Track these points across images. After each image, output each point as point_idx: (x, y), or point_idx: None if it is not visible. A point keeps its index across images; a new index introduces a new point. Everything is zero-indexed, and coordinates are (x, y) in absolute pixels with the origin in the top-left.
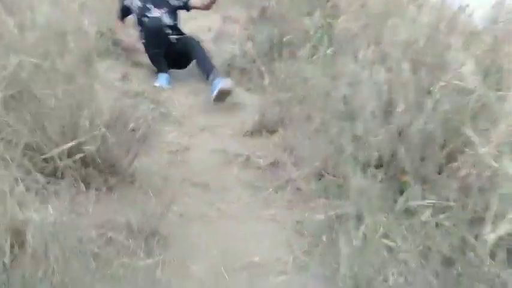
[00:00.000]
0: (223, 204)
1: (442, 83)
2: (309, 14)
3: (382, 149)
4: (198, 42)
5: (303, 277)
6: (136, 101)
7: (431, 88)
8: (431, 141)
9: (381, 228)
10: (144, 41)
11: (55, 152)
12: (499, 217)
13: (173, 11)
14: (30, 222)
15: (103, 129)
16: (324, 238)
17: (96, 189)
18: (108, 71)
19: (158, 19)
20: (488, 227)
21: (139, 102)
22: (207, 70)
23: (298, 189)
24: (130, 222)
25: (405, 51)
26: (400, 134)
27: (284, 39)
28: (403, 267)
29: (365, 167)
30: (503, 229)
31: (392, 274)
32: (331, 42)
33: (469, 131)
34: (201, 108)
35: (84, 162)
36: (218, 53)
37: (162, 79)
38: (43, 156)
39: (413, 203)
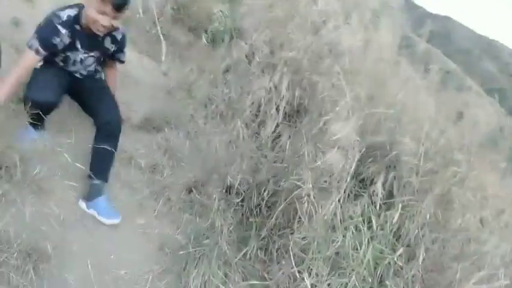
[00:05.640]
0: None
1: None
2: None
3: (243, 180)
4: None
5: None
6: None
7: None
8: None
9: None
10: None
11: None
12: None
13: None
14: None
15: None
16: (181, 259)
17: None
18: None
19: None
20: None
21: None
22: (95, 169)
23: (169, 199)
24: None
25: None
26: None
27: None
28: None
29: (228, 189)
30: None
31: None
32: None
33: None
34: None
35: None
36: None
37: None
38: None
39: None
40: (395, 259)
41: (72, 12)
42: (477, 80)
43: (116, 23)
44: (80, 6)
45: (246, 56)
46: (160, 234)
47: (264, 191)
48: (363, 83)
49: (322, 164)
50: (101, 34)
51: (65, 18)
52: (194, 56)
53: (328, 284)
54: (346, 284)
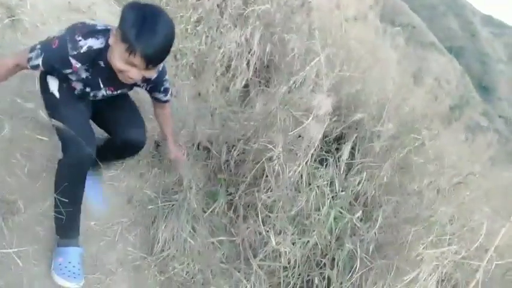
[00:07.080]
0: None
1: None
2: None
3: (212, 137)
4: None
5: (126, 246)
6: None
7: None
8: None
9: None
10: None
11: None
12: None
13: None
14: None
15: None
16: (150, 213)
17: None
18: None
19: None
20: None
21: None
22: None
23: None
24: None
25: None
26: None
27: None
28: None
29: (197, 145)
30: None
31: (192, 260)
32: None
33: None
34: None
35: None
36: None
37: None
38: None
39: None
40: (354, 220)
41: (96, 44)
42: (439, 36)
43: (149, 74)
44: (108, 37)
45: (218, 6)
46: (129, 187)
47: (233, 149)
48: (332, 42)
49: (295, 132)
50: (130, 83)
51: (84, 49)
52: (163, 2)
53: (292, 241)
54: (308, 241)
